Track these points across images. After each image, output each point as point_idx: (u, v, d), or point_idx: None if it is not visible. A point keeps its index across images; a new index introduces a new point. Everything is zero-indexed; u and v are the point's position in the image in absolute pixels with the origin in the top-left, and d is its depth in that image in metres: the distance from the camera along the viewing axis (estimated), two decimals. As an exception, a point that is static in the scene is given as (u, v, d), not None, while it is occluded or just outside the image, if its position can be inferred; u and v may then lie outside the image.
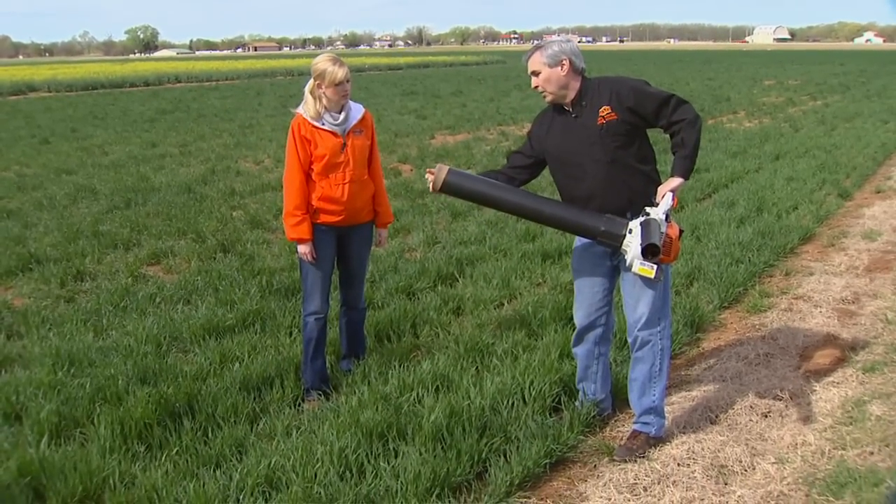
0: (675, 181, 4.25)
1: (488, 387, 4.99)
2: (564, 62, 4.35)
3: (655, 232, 4.08)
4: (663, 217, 4.16)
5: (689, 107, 4.31)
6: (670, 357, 4.78)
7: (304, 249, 5.12)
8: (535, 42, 4.54)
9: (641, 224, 4.16)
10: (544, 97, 4.48)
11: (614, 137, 4.34)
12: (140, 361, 5.59)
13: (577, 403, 4.94)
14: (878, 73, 45.80)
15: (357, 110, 5.19)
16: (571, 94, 4.42)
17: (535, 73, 4.41)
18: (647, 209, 4.24)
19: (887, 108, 23.47)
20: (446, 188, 4.51)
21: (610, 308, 4.76)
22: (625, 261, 4.31)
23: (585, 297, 4.76)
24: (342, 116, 5.08)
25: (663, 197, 4.22)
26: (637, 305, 4.52)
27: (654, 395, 4.60)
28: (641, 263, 4.15)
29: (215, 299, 7.07)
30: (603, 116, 4.33)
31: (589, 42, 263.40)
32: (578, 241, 4.74)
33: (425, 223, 9.88)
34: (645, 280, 4.37)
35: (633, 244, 4.18)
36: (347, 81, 5.00)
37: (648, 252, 4.05)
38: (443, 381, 5.20)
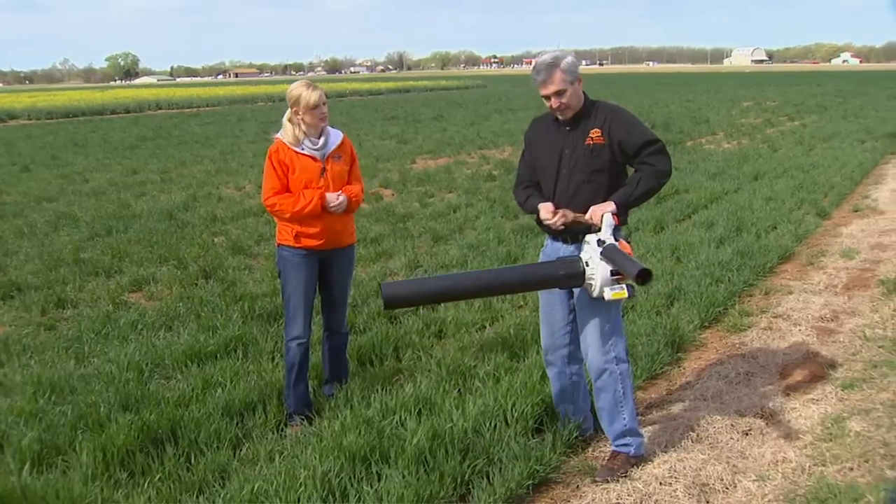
0: (610, 205, 4.33)
1: (471, 409, 5.00)
2: (580, 77, 4.45)
3: (623, 256, 4.11)
4: (612, 238, 4.22)
5: (666, 158, 4.41)
6: (632, 378, 4.78)
7: (333, 199, 5.10)
8: (547, 58, 4.42)
9: (604, 252, 4.16)
10: (563, 115, 4.49)
11: (596, 161, 4.42)
12: (122, 388, 5.58)
13: (558, 425, 4.96)
14: (854, 94, 46.27)
15: (336, 136, 5.23)
16: (578, 108, 4.50)
17: (560, 93, 4.39)
18: (588, 237, 4.28)
19: (864, 128, 23.68)
20: (390, 304, 4.25)
21: (573, 328, 4.77)
22: (591, 293, 4.29)
23: (546, 319, 4.82)
24: (321, 141, 5.12)
25: (602, 220, 4.27)
26: (586, 334, 4.58)
27: (625, 418, 4.61)
28: (611, 289, 4.16)
29: (197, 325, 7.06)
30: (592, 137, 4.42)
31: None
32: (540, 261, 4.79)
33: (407, 247, 9.90)
34: (592, 307, 4.44)
35: (596, 274, 4.18)
36: (323, 104, 5.05)
37: (644, 277, 3.94)
38: (425, 404, 5.20)
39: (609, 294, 4.16)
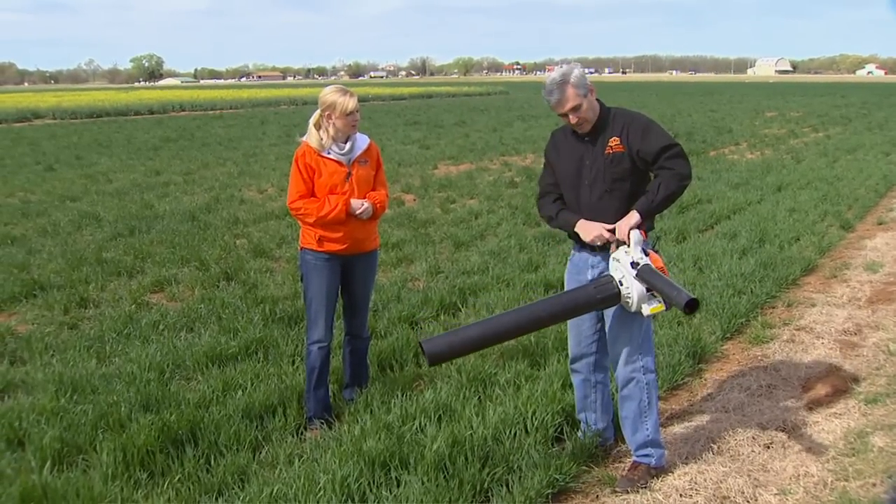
0: (634, 217, 4.27)
1: (490, 416, 4.99)
2: (591, 87, 4.39)
3: (665, 282, 4.03)
4: (644, 256, 4.15)
5: (685, 162, 4.33)
6: (657, 389, 4.75)
7: (358, 206, 5.14)
8: (555, 76, 4.35)
9: (641, 275, 4.09)
10: (581, 129, 4.45)
11: (616, 170, 4.39)
12: (143, 388, 5.60)
13: (579, 434, 4.94)
14: (879, 105, 45.97)
15: (362, 140, 5.24)
16: (595, 119, 4.46)
17: (576, 109, 4.34)
18: (617, 254, 4.23)
19: (889, 140, 23.55)
20: (435, 360, 4.10)
21: (601, 337, 4.75)
22: (628, 309, 4.25)
23: (574, 327, 4.79)
24: (348, 146, 5.12)
25: (629, 236, 4.20)
26: (616, 343, 4.56)
27: (647, 429, 4.59)
28: (649, 305, 4.10)
29: (218, 327, 7.09)
30: (611, 146, 4.38)
31: (592, 73, 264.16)
32: (567, 272, 4.79)
33: (428, 253, 9.90)
34: (623, 317, 4.42)
35: (632, 292, 4.13)
36: (357, 111, 5.07)
37: (692, 307, 3.87)
38: (445, 411, 5.20)
39: (647, 310, 4.12)
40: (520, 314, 4.27)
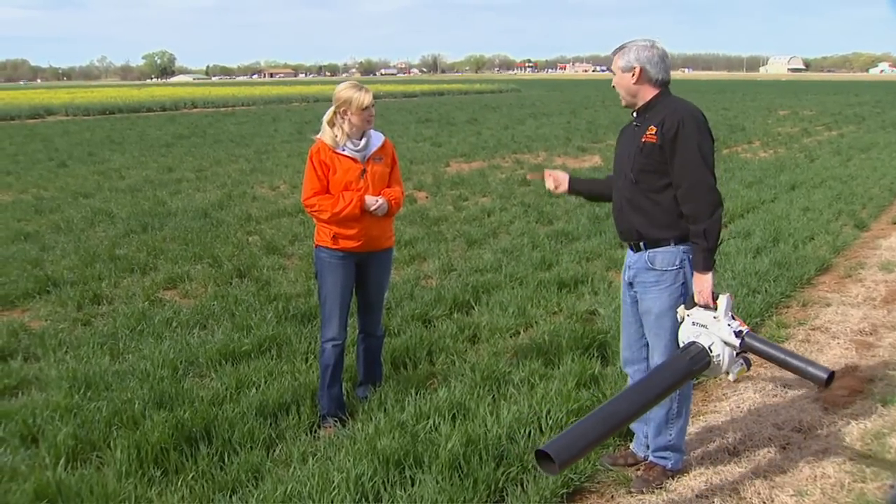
0: (706, 280, 4.10)
1: (505, 415, 4.97)
2: (635, 70, 4.21)
3: (792, 356, 3.91)
4: (736, 322, 3.98)
5: (709, 196, 4.13)
6: (690, 400, 4.67)
7: (372, 202, 5.11)
8: (625, 42, 4.34)
9: (745, 344, 3.92)
10: (622, 100, 4.39)
11: (646, 160, 4.21)
12: (156, 386, 5.60)
13: (632, 445, 4.84)
14: (893, 104, 45.74)
15: (377, 138, 5.23)
16: (640, 103, 4.30)
17: (614, 74, 4.33)
18: (700, 317, 4.04)
19: (903, 139, 23.40)
20: (564, 466, 3.50)
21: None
22: (715, 372, 4.06)
23: (623, 329, 4.68)
24: (362, 143, 5.11)
25: (715, 300, 4.03)
26: (654, 350, 4.44)
27: (671, 434, 4.53)
28: (735, 369, 3.99)
29: (231, 324, 7.08)
30: (648, 135, 4.20)
31: (604, 71, 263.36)
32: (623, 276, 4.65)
33: (441, 250, 9.89)
34: (660, 323, 4.32)
35: (723, 359, 3.95)
36: (373, 106, 5.05)
37: (831, 380, 3.76)
38: (459, 409, 5.18)
39: (734, 376, 4.02)
40: (633, 396, 3.91)
